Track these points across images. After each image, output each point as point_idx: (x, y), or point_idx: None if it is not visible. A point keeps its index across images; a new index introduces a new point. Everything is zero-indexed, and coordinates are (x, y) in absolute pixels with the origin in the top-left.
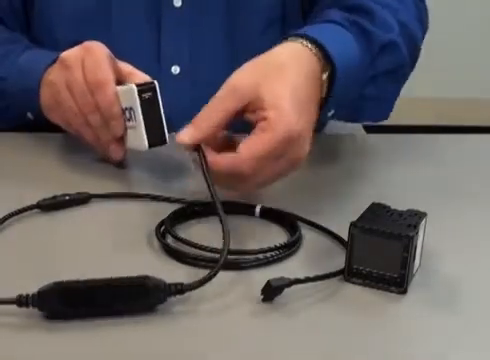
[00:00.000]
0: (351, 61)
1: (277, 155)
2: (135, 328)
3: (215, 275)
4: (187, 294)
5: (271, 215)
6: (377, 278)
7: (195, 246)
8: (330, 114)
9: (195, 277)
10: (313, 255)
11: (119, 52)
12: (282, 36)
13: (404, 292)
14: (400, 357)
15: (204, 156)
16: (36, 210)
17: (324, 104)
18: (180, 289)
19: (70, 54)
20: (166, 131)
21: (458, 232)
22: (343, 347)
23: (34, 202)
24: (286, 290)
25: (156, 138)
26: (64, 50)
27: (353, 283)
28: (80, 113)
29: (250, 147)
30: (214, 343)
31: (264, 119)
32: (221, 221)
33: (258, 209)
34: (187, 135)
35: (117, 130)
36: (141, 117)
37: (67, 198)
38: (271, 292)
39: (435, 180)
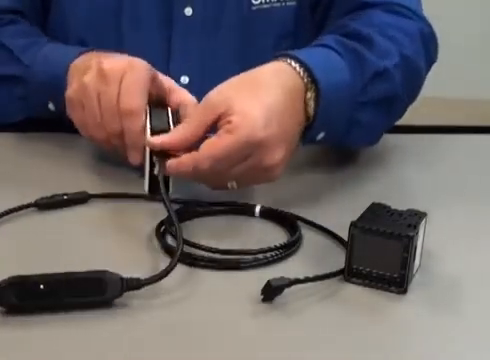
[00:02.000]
0: (339, 84)
1: (238, 158)
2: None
3: (172, 269)
4: (183, 293)
5: (271, 215)
6: (377, 278)
7: (195, 246)
8: (320, 137)
9: (195, 277)
10: (313, 255)
11: None
12: (275, 54)
13: (404, 292)
14: (400, 357)
15: (164, 166)
16: (33, 209)
17: (312, 123)
18: (137, 284)
19: (112, 66)
20: (171, 182)
21: (458, 232)
22: (343, 347)
23: (32, 201)
24: (286, 290)
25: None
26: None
27: (353, 283)
28: (102, 127)
29: (210, 147)
30: (214, 343)
31: (229, 122)
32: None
33: (258, 209)
34: (159, 140)
35: (135, 160)
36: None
37: (65, 197)
38: (271, 292)
39: (435, 180)
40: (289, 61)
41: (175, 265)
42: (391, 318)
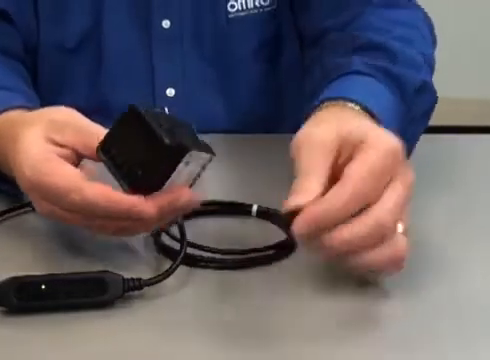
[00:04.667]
0: (390, 114)
1: (384, 172)
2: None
3: (174, 270)
4: (183, 293)
5: (268, 215)
6: None
7: (194, 246)
8: None
9: (194, 277)
10: (311, 255)
11: (112, 77)
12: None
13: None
14: (399, 356)
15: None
16: (28, 208)
17: None
18: (138, 284)
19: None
20: None
21: (457, 230)
22: (343, 347)
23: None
24: (286, 289)
25: None
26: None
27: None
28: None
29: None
30: (214, 343)
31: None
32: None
33: (255, 209)
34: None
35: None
36: None
37: None
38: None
39: (435, 180)
40: (344, 103)
41: (177, 266)
42: (390, 318)
